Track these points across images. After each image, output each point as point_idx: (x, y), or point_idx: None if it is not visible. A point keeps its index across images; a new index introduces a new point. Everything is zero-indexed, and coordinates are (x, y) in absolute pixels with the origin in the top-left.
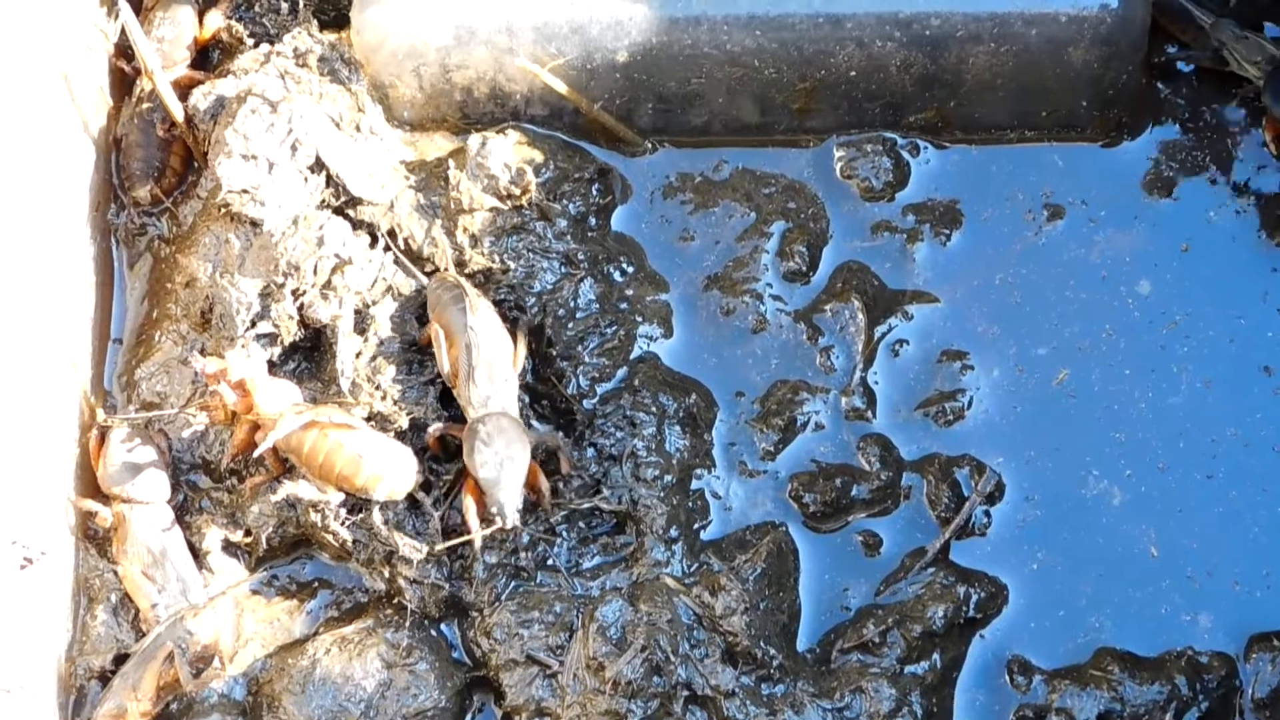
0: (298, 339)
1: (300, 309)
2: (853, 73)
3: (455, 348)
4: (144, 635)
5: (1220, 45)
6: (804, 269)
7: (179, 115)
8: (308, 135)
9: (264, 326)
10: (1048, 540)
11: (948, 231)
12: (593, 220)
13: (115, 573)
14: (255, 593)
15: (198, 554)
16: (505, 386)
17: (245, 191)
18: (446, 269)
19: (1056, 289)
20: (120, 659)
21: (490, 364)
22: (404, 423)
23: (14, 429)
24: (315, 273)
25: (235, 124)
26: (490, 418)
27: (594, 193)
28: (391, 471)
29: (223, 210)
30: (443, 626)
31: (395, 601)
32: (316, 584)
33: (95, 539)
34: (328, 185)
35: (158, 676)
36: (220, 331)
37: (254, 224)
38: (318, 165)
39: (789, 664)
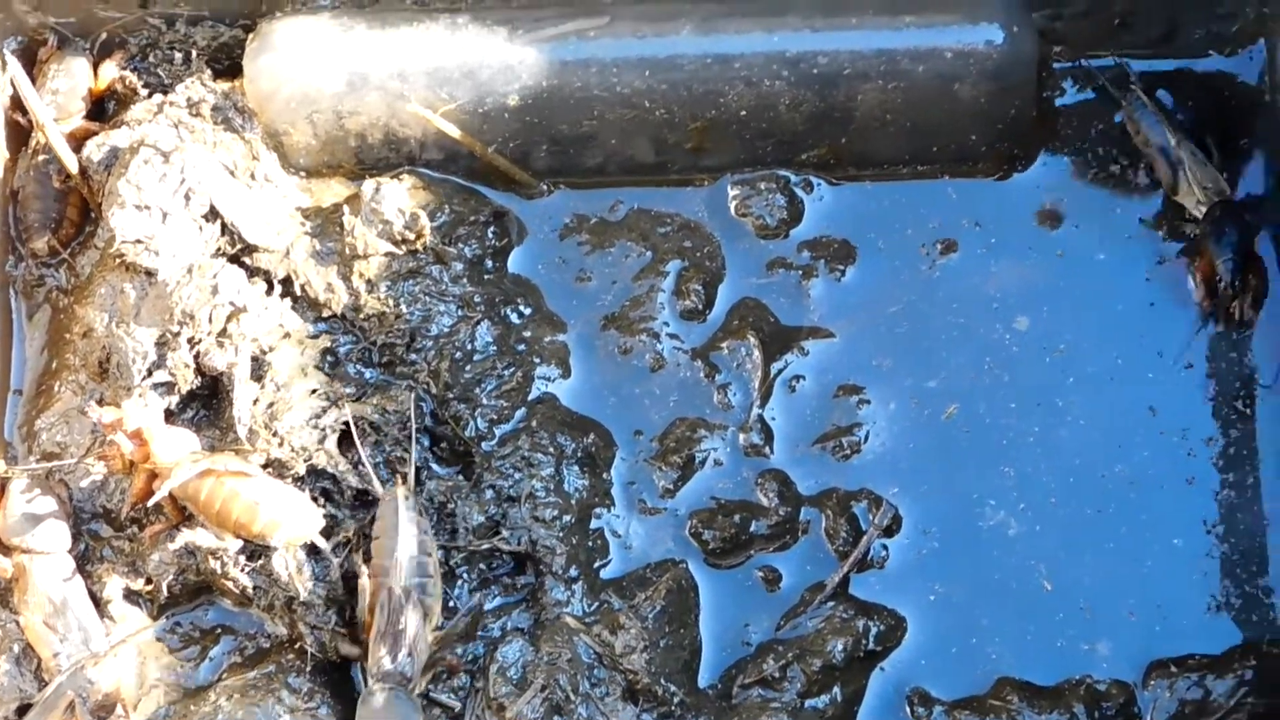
0: (195, 387)
1: (196, 357)
2: (743, 112)
3: (376, 601)
4: (46, 685)
5: (1178, 163)
6: (700, 307)
7: (73, 167)
8: (201, 184)
9: (161, 375)
10: (945, 572)
11: (842, 267)
12: (489, 263)
13: (17, 623)
14: (158, 640)
15: (99, 603)
16: (414, 660)
17: (139, 241)
18: (407, 480)
19: (950, 323)
20: (23, 709)
21: (409, 636)
22: (301, 469)
23: None
24: (210, 321)
25: (128, 174)
26: (386, 691)
27: (490, 235)
28: (289, 518)
29: (118, 260)
30: (345, 670)
31: (297, 646)
32: (219, 630)
33: None
34: (223, 233)
35: None
36: (117, 381)
37: (149, 273)
38: (212, 214)
39: (690, 700)
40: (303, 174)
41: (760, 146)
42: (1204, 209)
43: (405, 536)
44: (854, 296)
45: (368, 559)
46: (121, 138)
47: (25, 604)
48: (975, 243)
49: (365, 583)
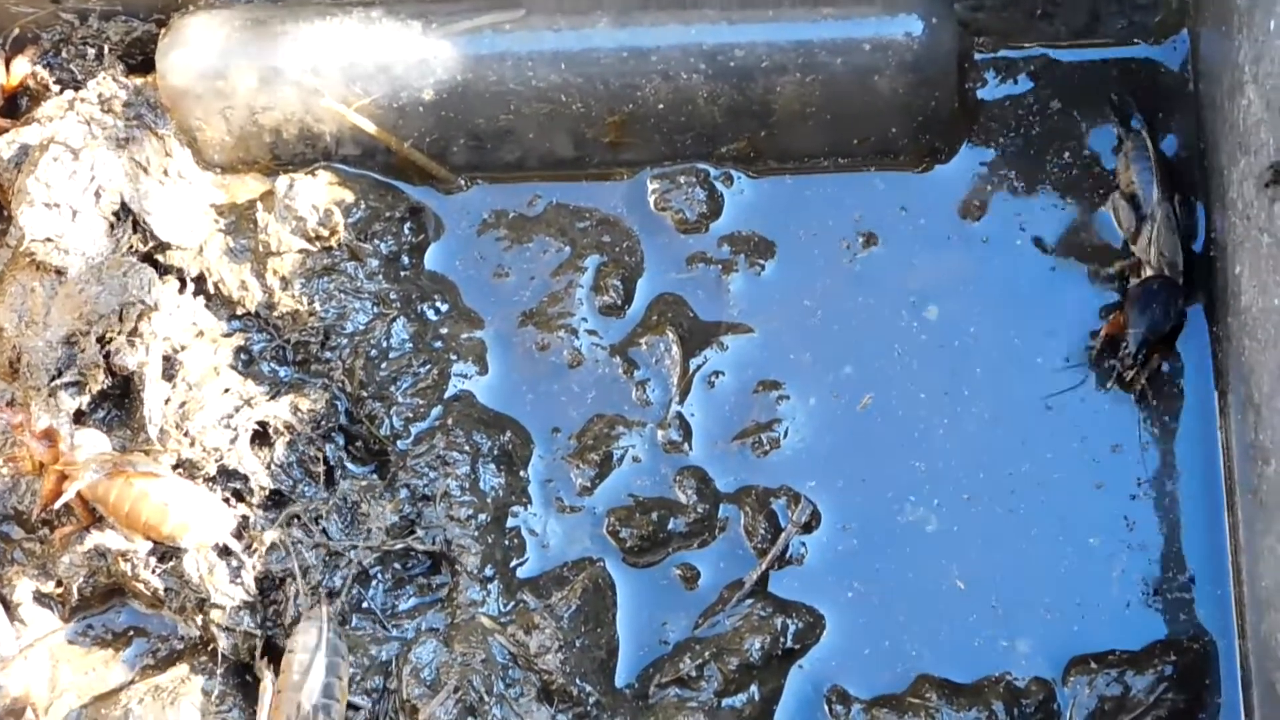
0: (106, 387)
1: (107, 357)
2: (661, 105)
3: (280, 713)
4: None
5: (1149, 218)
6: (619, 303)
7: None
8: (111, 181)
9: (71, 375)
10: (864, 569)
11: (763, 261)
12: (405, 259)
13: None
14: (70, 643)
15: (9, 606)
16: None
17: (49, 240)
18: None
19: (870, 317)
20: None
21: None
22: (212, 469)
23: None
24: (121, 319)
25: (37, 172)
26: None
27: (406, 231)
28: (198, 519)
29: (28, 259)
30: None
31: (210, 648)
32: (131, 632)
33: None
34: (135, 231)
35: None
36: (27, 381)
37: (59, 272)
38: (123, 211)
39: (606, 700)
40: (217, 170)
41: (679, 140)
42: (1149, 271)
43: (321, 657)
44: (774, 291)
45: (276, 667)
46: (32, 135)
47: None
48: (896, 235)
49: (268, 688)
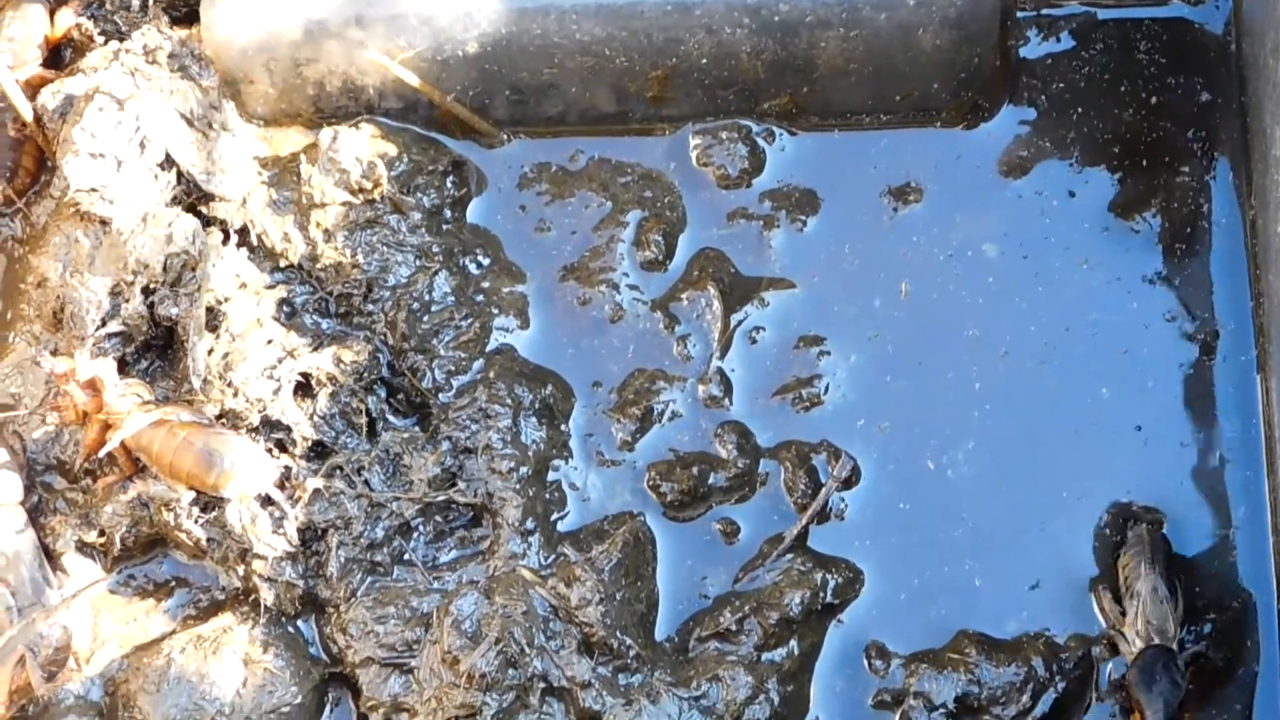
0: (149, 337)
1: (151, 307)
2: (704, 60)
3: None
4: None
5: (1133, 597)
6: (660, 258)
7: (28, 115)
8: (156, 132)
9: (114, 325)
10: (904, 525)
11: (804, 217)
12: (448, 213)
13: None
14: (112, 593)
15: (52, 555)
16: None
17: (94, 190)
18: None
19: (911, 274)
20: None
21: None
22: (256, 420)
23: None
24: (166, 270)
25: (83, 122)
26: None
27: (449, 185)
28: (242, 469)
29: (72, 210)
30: (299, 623)
31: (252, 599)
32: (173, 582)
33: None
34: (179, 182)
35: (10, 680)
36: (71, 331)
37: (103, 222)
38: (168, 162)
39: (646, 654)
40: (260, 122)
41: (722, 96)
42: (1139, 644)
43: None
44: (816, 247)
45: None
46: (77, 85)
47: None
48: (937, 192)
49: None
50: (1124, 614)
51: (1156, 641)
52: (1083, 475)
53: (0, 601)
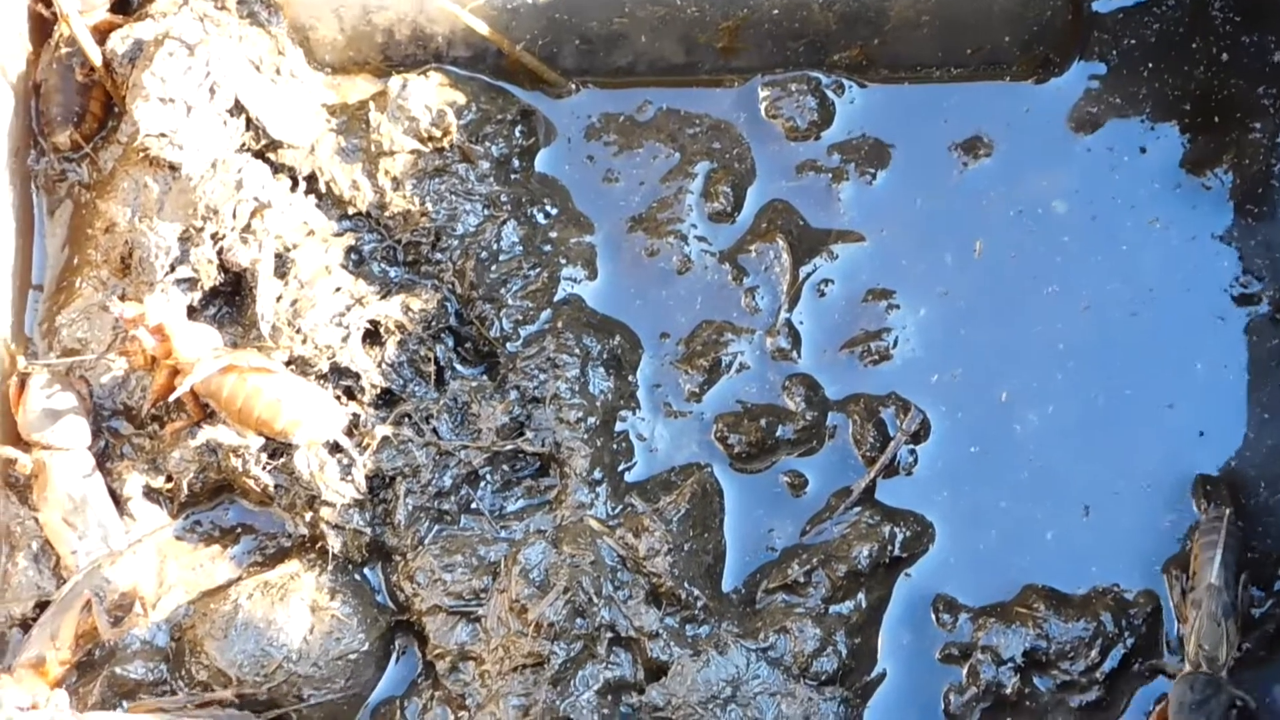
0: (218, 283)
1: (220, 253)
2: (775, 11)
3: None
4: (64, 582)
5: (1196, 604)
6: (729, 209)
7: (97, 60)
8: (226, 78)
9: (183, 271)
10: (973, 478)
11: (873, 170)
12: (516, 162)
13: (35, 520)
14: (178, 539)
15: (119, 500)
16: None
17: (163, 135)
18: None
19: (979, 227)
20: (42, 606)
21: None
22: (324, 367)
23: None
24: (234, 216)
25: (153, 67)
26: None
27: (517, 134)
28: (311, 416)
29: (141, 155)
30: (366, 571)
31: (318, 546)
32: (239, 529)
33: (15, 486)
34: (247, 128)
35: (76, 624)
36: (140, 277)
37: (173, 168)
38: (237, 108)
39: (713, 605)
40: (328, 70)
41: (791, 48)
42: (1188, 666)
43: None
44: (884, 200)
45: None
46: (146, 30)
47: (44, 501)
48: (1007, 146)
49: None
50: (1184, 615)
51: (1205, 669)
52: (1158, 430)
53: (66, 545)
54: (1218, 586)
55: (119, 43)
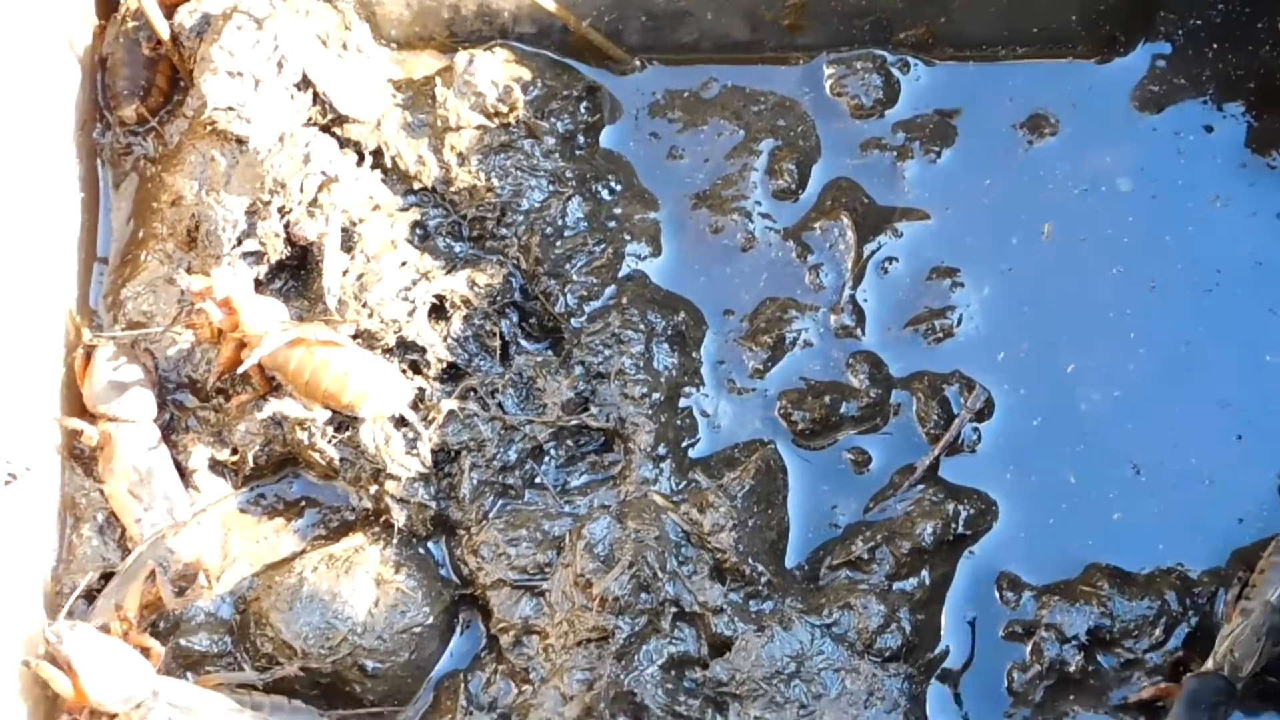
0: (284, 257)
1: (287, 226)
2: None
3: None
4: (129, 554)
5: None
6: (793, 187)
7: (164, 34)
8: (294, 52)
9: (250, 244)
10: (1037, 457)
11: (938, 148)
12: (581, 138)
13: (101, 491)
14: (242, 511)
15: (184, 473)
16: None
17: (231, 109)
18: None
19: (1044, 206)
20: (107, 577)
21: None
22: (391, 341)
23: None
24: (302, 190)
25: (221, 41)
26: None
27: (582, 111)
28: (378, 389)
29: (208, 128)
30: (430, 544)
31: (383, 520)
32: (303, 502)
33: (81, 458)
34: (314, 103)
35: (141, 595)
36: (206, 250)
37: (240, 141)
38: (304, 83)
39: (777, 580)
40: (394, 45)
41: (857, 25)
42: (1211, 664)
43: None
44: (948, 178)
45: None
46: (214, 4)
47: (110, 472)
48: (1072, 125)
49: None
50: (1230, 617)
51: (1226, 673)
52: (1224, 407)
53: (131, 516)
54: (1275, 606)
55: (186, 16)
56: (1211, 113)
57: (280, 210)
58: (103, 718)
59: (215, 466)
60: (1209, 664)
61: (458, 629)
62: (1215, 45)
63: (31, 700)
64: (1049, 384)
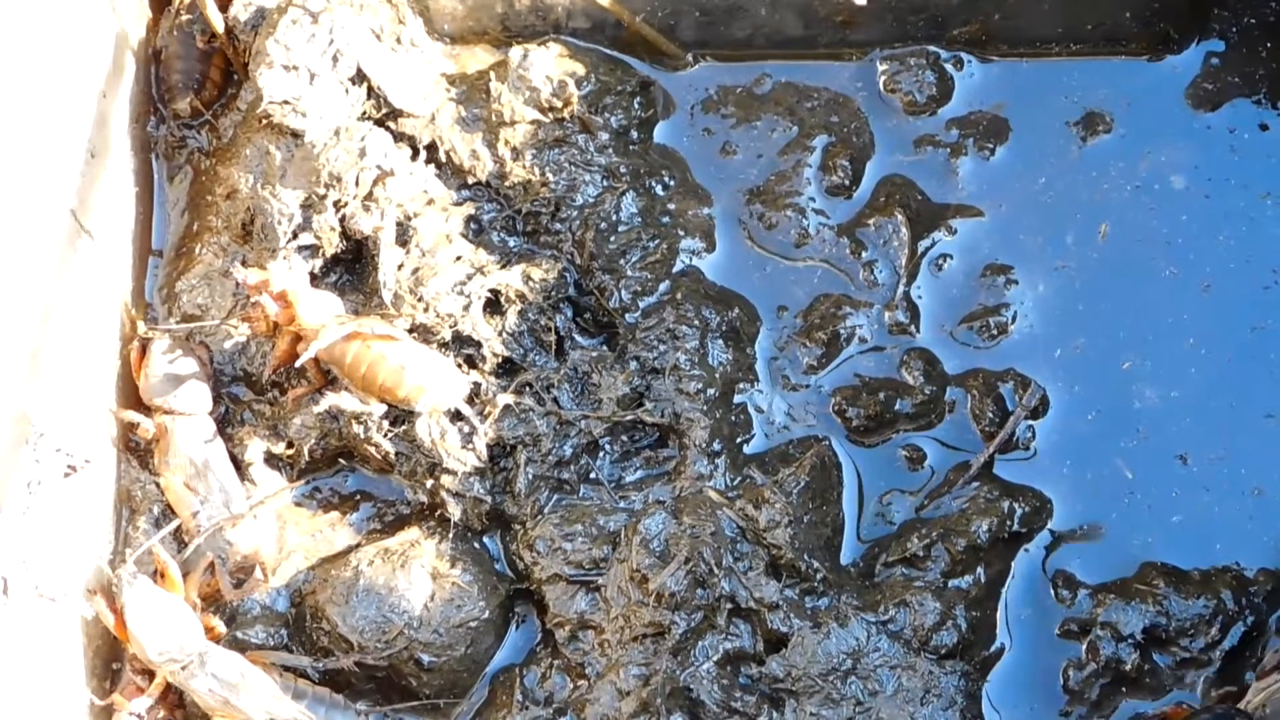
0: (339, 251)
1: (342, 220)
2: None
3: None
4: (186, 546)
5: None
6: (847, 183)
7: (219, 27)
8: (349, 46)
9: (306, 238)
10: (1092, 455)
11: (992, 145)
12: (634, 134)
13: (157, 484)
14: (297, 505)
15: (240, 466)
16: None
17: (286, 102)
18: None
19: (1099, 204)
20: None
21: None
22: (447, 334)
23: (57, 341)
24: (357, 184)
25: (277, 34)
26: None
27: (636, 106)
28: (434, 383)
29: (264, 121)
30: (485, 539)
31: (438, 514)
32: (359, 496)
33: (137, 451)
34: (369, 97)
35: (198, 587)
36: (262, 243)
37: (295, 135)
38: (359, 77)
39: (833, 577)
40: (448, 39)
41: (911, 21)
42: (1244, 705)
43: None
44: (1003, 175)
45: None
46: None
47: (166, 465)
48: (1126, 122)
49: None
50: (1270, 672)
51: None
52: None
53: (188, 509)
54: None
55: (241, 10)
56: (1266, 111)
57: (336, 204)
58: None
59: (271, 460)
60: (1243, 705)
61: (513, 623)
62: (1270, 43)
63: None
64: (1103, 382)
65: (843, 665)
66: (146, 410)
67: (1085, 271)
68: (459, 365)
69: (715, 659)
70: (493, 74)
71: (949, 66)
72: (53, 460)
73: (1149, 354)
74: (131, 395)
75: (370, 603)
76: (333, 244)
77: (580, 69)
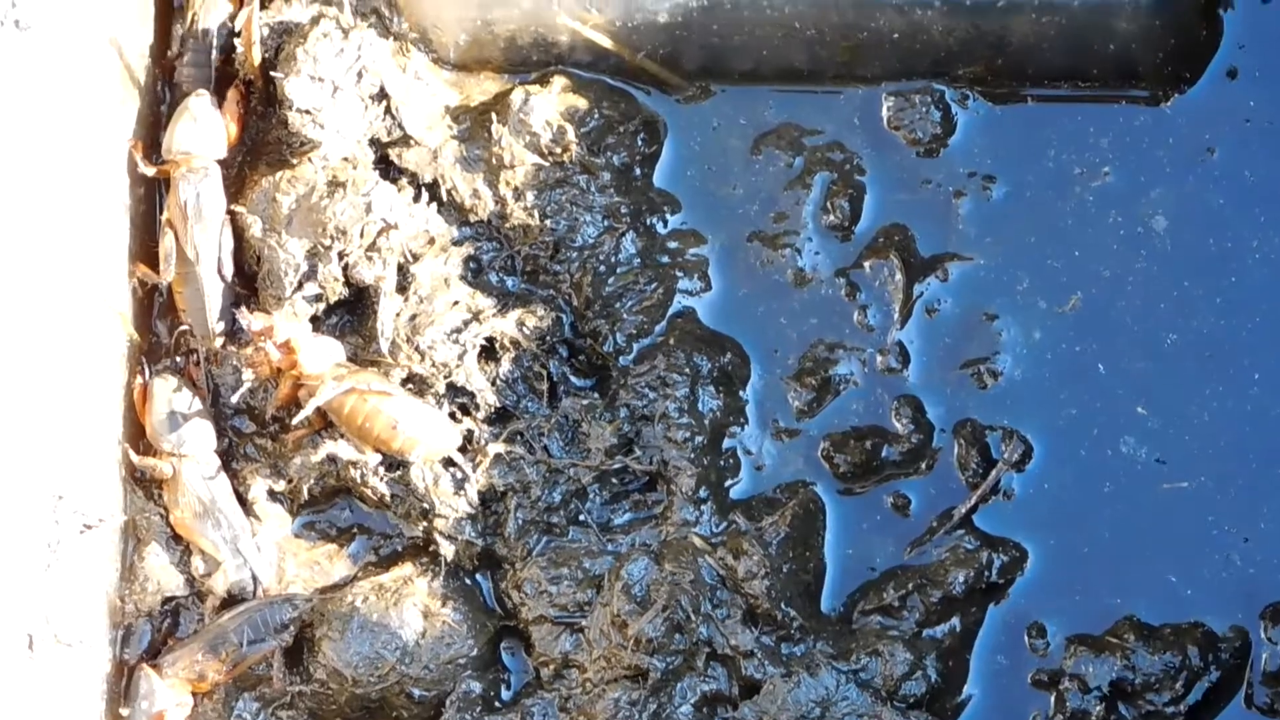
0: (341, 296)
1: (345, 269)
2: (895, 35)
3: None
4: (201, 573)
5: None
6: (845, 222)
7: (257, 59)
8: (374, 63)
9: (310, 288)
10: (1072, 508)
11: (993, 187)
12: (637, 170)
13: (162, 515)
14: (295, 536)
15: (244, 502)
16: None
17: (308, 112)
18: None
19: (1100, 252)
20: (167, 600)
21: None
22: (441, 386)
23: (63, 381)
24: (362, 235)
25: (307, 45)
26: None
27: (639, 143)
28: (427, 436)
29: (275, 158)
30: (477, 576)
31: (431, 550)
32: (355, 529)
33: (141, 481)
34: (384, 116)
35: (252, 662)
36: (267, 289)
37: (305, 143)
38: (380, 95)
39: (809, 624)
40: (450, 68)
41: (915, 63)
42: None
43: None
44: (1002, 219)
45: None
46: (299, 13)
47: (175, 504)
48: (1132, 166)
49: None
50: None
51: None
52: (1260, 463)
53: (207, 541)
54: None
55: (268, 19)
56: (1276, 155)
57: (340, 255)
58: None
59: (272, 495)
60: None
61: (501, 659)
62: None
63: None
64: (1089, 435)
65: (811, 713)
66: (152, 449)
67: (1082, 321)
68: (452, 414)
69: (692, 701)
70: (494, 115)
71: (954, 104)
72: (70, 520)
73: (1139, 408)
74: (138, 434)
75: (365, 639)
76: (336, 293)
77: (583, 104)
